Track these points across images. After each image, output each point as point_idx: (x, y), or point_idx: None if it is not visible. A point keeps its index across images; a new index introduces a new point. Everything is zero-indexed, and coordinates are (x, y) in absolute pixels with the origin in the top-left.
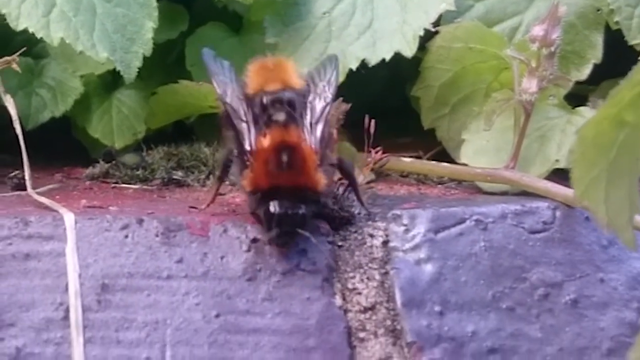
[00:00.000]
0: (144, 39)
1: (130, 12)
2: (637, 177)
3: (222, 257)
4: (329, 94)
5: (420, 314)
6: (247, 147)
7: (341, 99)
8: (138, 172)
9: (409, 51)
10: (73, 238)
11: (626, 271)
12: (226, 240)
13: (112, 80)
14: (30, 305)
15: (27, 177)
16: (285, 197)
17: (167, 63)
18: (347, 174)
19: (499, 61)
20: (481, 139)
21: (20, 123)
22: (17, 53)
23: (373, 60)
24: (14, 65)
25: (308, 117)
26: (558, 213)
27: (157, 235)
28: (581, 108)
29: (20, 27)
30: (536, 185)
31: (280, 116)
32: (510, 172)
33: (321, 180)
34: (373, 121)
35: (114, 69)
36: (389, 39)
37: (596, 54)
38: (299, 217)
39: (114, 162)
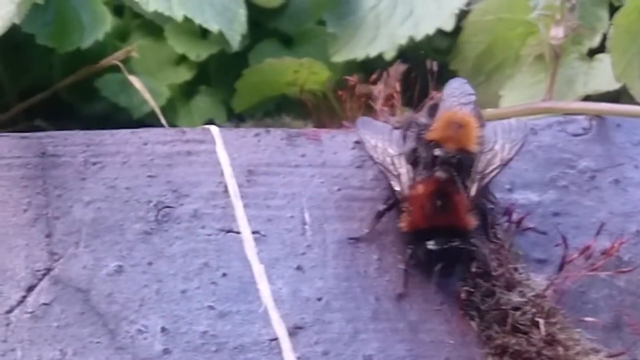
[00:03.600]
0: (240, 21)
1: (225, 2)
2: None
3: (334, 153)
4: (509, 156)
5: (495, 190)
6: (402, 194)
7: (399, 60)
8: None
9: (448, 26)
10: (220, 140)
11: None
12: (335, 143)
13: (189, 89)
14: (197, 184)
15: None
16: (440, 236)
17: (235, 74)
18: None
19: (525, 27)
20: (516, 94)
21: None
22: (134, 44)
23: (418, 36)
24: (134, 53)
25: (482, 166)
26: (594, 122)
27: (282, 139)
28: (598, 55)
29: (150, 9)
30: (571, 106)
31: (442, 175)
32: (547, 102)
33: (472, 221)
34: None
35: (191, 81)
36: (429, 20)
37: (603, 25)
38: (454, 250)
39: None
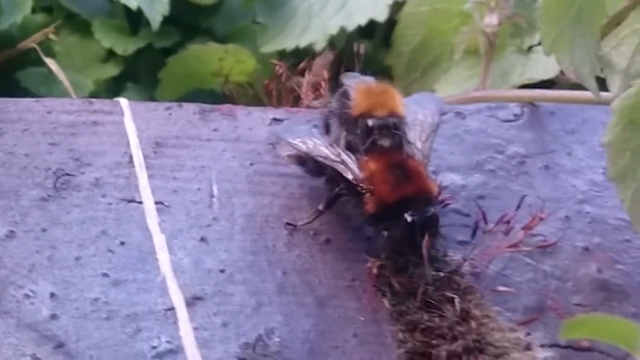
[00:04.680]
0: (162, 2)
1: None
2: (597, 38)
3: (249, 129)
4: (436, 121)
5: None
6: (356, 177)
7: (328, 48)
8: None
9: (381, 17)
10: (129, 112)
11: (590, 147)
12: (251, 119)
13: (115, 86)
14: (102, 153)
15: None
16: (414, 206)
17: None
18: None
19: (462, 19)
20: (451, 88)
21: None
22: (54, 24)
23: (350, 27)
24: (52, 35)
25: (415, 135)
26: (526, 109)
27: (194, 114)
28: (536, 47)
29: None
30: (504, 94)
31: (386, 142)
32: (479, 91)
33: (435, 187)
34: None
35: (117, 77)
36: (363, 11)
37: None
38: (434, 218)
39: None
